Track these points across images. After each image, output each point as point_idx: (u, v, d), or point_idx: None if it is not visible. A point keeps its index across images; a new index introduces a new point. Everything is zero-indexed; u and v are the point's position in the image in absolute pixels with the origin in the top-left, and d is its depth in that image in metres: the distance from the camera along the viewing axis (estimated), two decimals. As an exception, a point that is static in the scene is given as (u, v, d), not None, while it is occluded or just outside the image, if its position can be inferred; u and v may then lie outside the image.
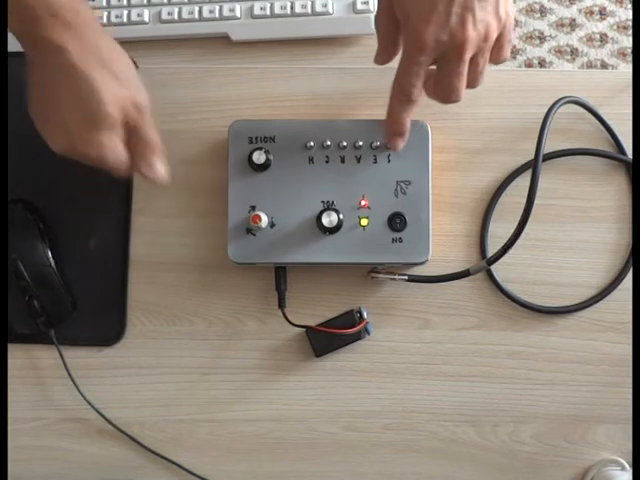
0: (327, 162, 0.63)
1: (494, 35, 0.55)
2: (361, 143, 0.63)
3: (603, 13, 1.53)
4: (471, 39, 0.53)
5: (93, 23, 0.55)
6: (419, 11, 0.53)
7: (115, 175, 0.58)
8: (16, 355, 0.66)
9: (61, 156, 0.55)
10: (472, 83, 0.57)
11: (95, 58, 0.54)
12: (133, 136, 0.57)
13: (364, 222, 0.62)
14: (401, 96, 0.58)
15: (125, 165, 0.57)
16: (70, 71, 0.53)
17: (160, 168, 0.58)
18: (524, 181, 0.63)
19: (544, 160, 0.64)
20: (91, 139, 0.54)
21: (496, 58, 0.57)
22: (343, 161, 0.63)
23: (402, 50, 0.57)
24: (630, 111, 0.66)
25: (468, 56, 0.54)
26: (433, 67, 0.56)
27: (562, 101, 0.61)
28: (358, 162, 0.63)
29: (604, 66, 1.50)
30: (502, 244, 0.59)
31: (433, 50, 0.54)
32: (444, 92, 0.57)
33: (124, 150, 0.56)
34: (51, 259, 0.65)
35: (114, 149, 0.56)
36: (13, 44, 0.56)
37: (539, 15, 1.53)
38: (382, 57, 0.61)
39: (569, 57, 1.52)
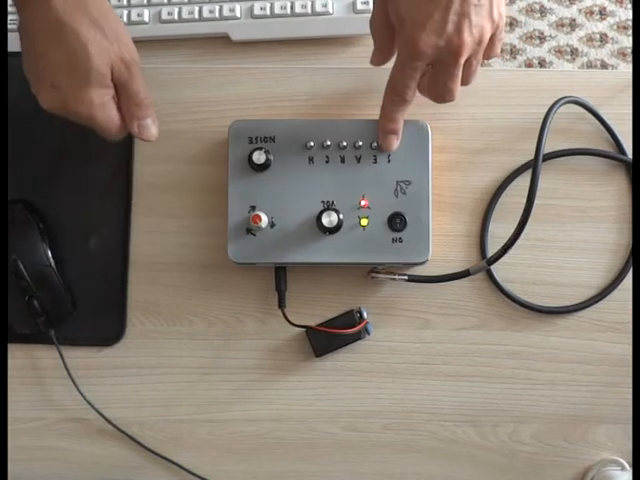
0: (327, 162, 0.63)
1: (488, 37, 0.55)
2: (361, 143, 0.63)
3: (603, 13, 1.53)
4: (467, 44, 0.53)
5: None
6: (414, 17, 0.53)
7: (106, 137, 0.56)
8: (16, 355, 0.66)
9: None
10: (465, 81, 0.58)
11: (81, 11, 0.52)
12: (123, 93, 0.55)
13: (364, 222, 0.62)
14: (394, 97, 0.58)
15: (116, 125, 0.55)
16: (54, 24, 0.51)
17: (152, 127, 0.57)
18: (524, 181, 0.62)
19: (544, 160, 0.64)
20: (81, 97, 0.53)
21: (487, 56, 0.58)
22: (343, 161, 0.63)
23: (397, 53, 0.57)
24: (630, 111, 0.66)
25: (463, 60, 0.55)
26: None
27: (562, 101, 0.60)
28: (358, 162, 0.63)
29: (604, 66, 1.50)
30: (502, 244, 0.59)
31: (429, 56, 0.54)
32: (439, 93, 0.57)
33: (115, 109, 0.55)
34: (51, 259, 0.65)
35: (104, 107, 0.54)
36: (13, 44, 0.56)
37: (539, 15, 1.53)
38: (378, 59, 0.61)
39: (569, 57, 1.52)
